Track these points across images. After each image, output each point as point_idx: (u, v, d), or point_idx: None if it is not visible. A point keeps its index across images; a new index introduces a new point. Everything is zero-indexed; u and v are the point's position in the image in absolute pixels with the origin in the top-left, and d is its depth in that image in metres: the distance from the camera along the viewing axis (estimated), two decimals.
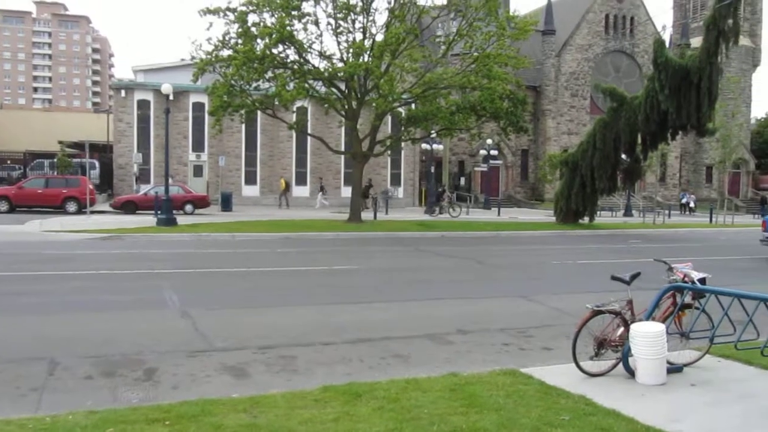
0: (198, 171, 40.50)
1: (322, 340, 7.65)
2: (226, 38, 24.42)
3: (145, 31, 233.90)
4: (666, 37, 54.89)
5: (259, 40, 23.88)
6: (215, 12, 24.10)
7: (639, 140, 28.02)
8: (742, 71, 58.31)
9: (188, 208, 30.64)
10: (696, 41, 42.62)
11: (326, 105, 27.66)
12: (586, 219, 30.47)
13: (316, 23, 25.29)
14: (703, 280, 6.42)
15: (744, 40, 54.23)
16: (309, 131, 34.96)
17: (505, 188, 53.72)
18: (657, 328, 5.93)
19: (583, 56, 54.79)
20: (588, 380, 5.98)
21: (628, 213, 41.75)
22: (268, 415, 4.86)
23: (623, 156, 28.70)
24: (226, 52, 24.60)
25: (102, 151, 46.51)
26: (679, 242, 24.28)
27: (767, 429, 4.93)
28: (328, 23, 25.60)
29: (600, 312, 6.16)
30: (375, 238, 22.45)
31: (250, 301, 10.37)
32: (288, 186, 39.72)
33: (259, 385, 5.82)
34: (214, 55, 24.54)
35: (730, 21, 25.02)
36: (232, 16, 24.08)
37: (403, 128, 29.88)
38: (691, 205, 49.19)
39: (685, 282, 6.39)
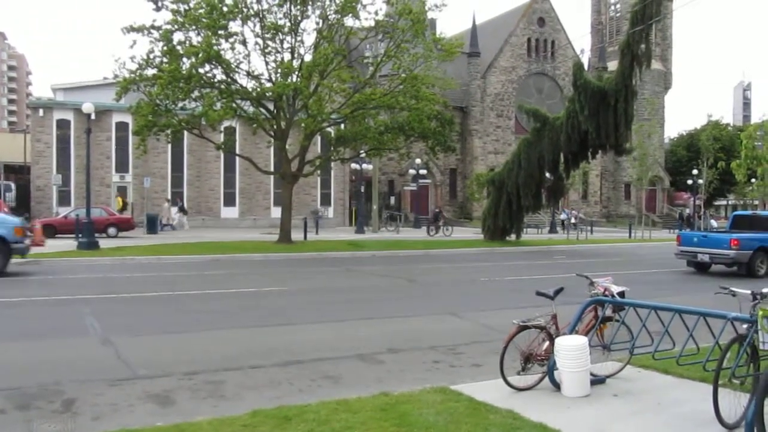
0: (123, 192, 39.29)
1: (251, 364, 7.50)
2: (151, 57, 23.90)
3: (65, 49, 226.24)
4: (585, 60, 57.24)
5: (185, 59, 23.49)
6: (139, 30, 23.58)
7: (562, 159, 28.97)
8: (655, 93, 61.40)
9: (112, 231, 29.65)
10: (612, 65, 44.51)
11: (254, 125, 27.43)
12: (513, 236, 31.18)
13: (244, 43, 25.12)
14: (622, 294, 6.66)
15: (656, 64, 57.15)
16: (237, 151, 34.53)
17: (435, 207, 54.40)
18: (580, 341, 6.10)
19: (507, 78, 56.41)
20: (516, 395, 6.09)
21: (552, 230, 43.03)
22: None
23: (547, 174, 29.61)
24: (150, 71, 24.06)
25: (19, 172, 44.53)
26: (601, 257, 25.17)
27: None
28: (256, 43, 25.49)
29: (526, 327, 6.30)
30: (305, 259, 22.29)
31: (176, 325, 10.08)
32: (125, 204, 36.74)
33: (185, 413, 5.64)
34: (138, 73, 23.96)
35: (643, 46, 26.32)
36: (156, 35, 23.62)
37: (332, 148, 29.92)
38: (573, 221, 48.61)
39: (606, 296, 6.62)
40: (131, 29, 23.57)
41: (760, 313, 4.78)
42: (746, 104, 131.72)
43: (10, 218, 17.04)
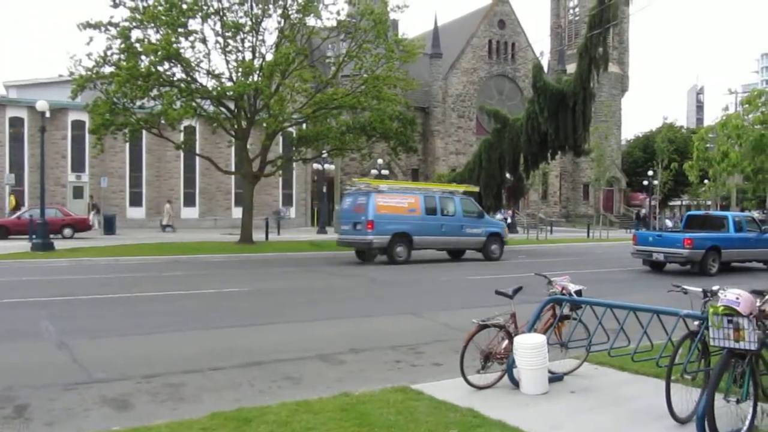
0: (78, 192, 38.45)
1: (210, 366, 7.42)
2: (108, 54, 23.44)
3: (18, 45, 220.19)
4: (544, 62, 58.00)
5: (143, 57, 23.10)
6: (96, 26, 23.10)
7: (522, 160, 29.38)
8: (612, 96, 62.65)
9: (67, 231, 29.00)
10: (571, 67, 45.28)
11: (215, 124, 27.13)
12: None
13: (204, 41, 24.83)
14: (579, 292, 6.78)
15: (613, 68, 58.24)
16: (197, 151, 34.12)
17: None
18: (538, 339, 6.20)
19: (468, 79, 56.90)
20: (476, 393, 6.15)
21: (513, 230, 43.51)
22: None
23: (508, 175, 29.98)
24: (108, 69, 23.60)
25: None
26: (560, 256, 25.57)
27: (637, 430, 5.25)
28: (217, 42, 25.22)
29: (486, 326, 6.37)
30: (267, 260, 22.14)
31: (134, 328, 9.91)
32: (18, 203, 35.32)
33: (143, 416, 5.55)
34: (94, 71, 23.48)
35: (601, 49, 26.84)
36: (114, 31, 23.17)
37: (294, 148, 29.79)
38: (509, 221, 48.20)
39: (564, 294, 6.73)
40: (87, 25, 23.07)
41: (711, 310, 4.91)
42: (699, 107, 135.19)
43: None
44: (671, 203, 77.11)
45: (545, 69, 39.52)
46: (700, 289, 5.59)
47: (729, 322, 4.80)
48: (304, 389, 6.50)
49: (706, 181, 47.09)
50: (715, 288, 5.36)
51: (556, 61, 60.43)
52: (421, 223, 21.51)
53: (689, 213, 24.00)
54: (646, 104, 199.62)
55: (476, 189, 26.09)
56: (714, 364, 5.06)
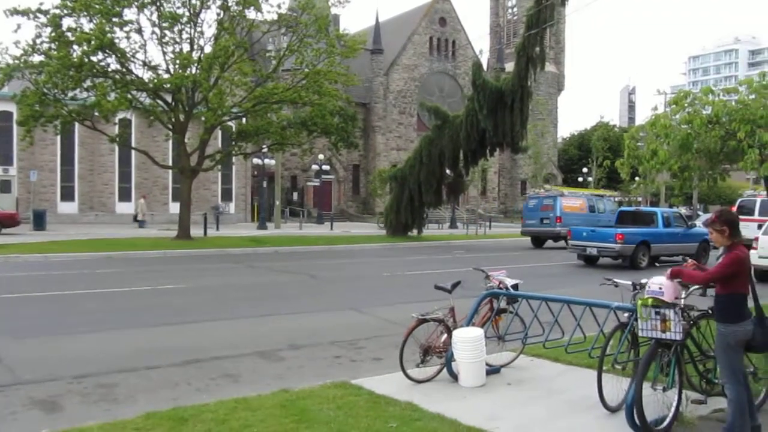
0: (5, 187, 36.85)
1: (146, 365, 7.25)
2: (38, 42, 22.57)
3: None
4: (484, 60, 58.87)
5: (75, 47, 22.34)
6: (24, 13, 22.21)
7: (461, 156, 29.71)
8: (549, 95, 64.13)
9: None
10: (510, 66, 46.09)
11: (152, 117, 26.43)
12: (415, 231, 31.70)
13: (140, 32, 24.18)
14: (516, 286, 6.93)
15: (550, 67, 59.67)
16: (133, 144, 33.21)
17: (338, 203, 54.52)
18: (476, 332, 6.30)
19: (409, 76, 57.21)
20: (415, 387, 6.21)
21: (453, 225, 44.08)
22: None
23: (448, 171, 30.29)
24: (37, 58, 22.73)
25: None
26: (499, 251, 26.04)
27: (570, 420, 5.41)
28: (153, 32, 24.59)
29: (425, 320, 6.44)
30: (205, 256, 21.75)
31: (65, 327, 9.58)
32: None
33: (74, 418, 5.38)
34: (22, 60, 22.57)
35: (538, 48, 27.38)
36: (44, 19, 22.32)
37: (233, 142, 29.35)
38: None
39: (501, 288, 6.86)
40: (15, 12, 22.18)
41: (639, 302, 5.11)
42: (631, 107, 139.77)
43: None
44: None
45: (485, 67, 40.09)
46: (630, 283, 5.80)
47: (656, 313, 4.99)
48: (242, 386, 6.43)
49: (636, 178, 48.68)
50: (643, 281, 5.56)
51: (496, 59, 61.42)
52: (586, 218, 27.29)
53: (621, 209, 24.79)
54: (581, 103, 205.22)
55: (614, 194, 31.32)
56: (642, 354, 5.26)
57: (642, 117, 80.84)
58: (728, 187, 54.30)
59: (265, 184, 37.91)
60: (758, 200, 22.84)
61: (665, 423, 5.04)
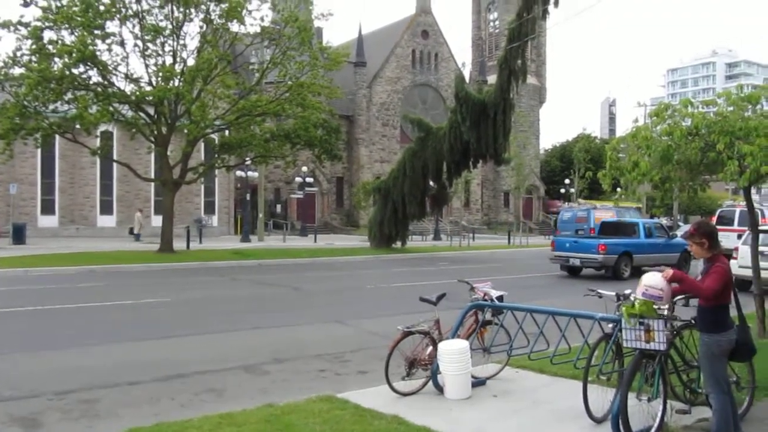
0: None
1: (128, 380, 7.17)
2: (18, 55, 22.38)
3: None
4: (466, 73, 59.31)
5: (56, 59, 22.16)
6: (4, 26, 21.99)
7: (445, 168, 29.82)
8: (531, 107, 64.61)
9: None
10: (492, 78, 46.48)
11: (134, 130, 26.24)
12: (399, 243, 31.69)
13: (122, 44, 24.05)
14: (501, 298, 6.95)
15: (532, 79, 60.07)
16: (115, 157, 32.94)
17: (321, 215, 54.39)
18: (461, 345, 6.30)
19: (392, 88, 57.42)
20: (401, 400, 6.19)
21: (437, 237, 44.14)
22: None
23: (431, 183, 30.38)
24: (18, 70, 22.53)
25: None
26: (482, 263, 26.10)
27: (556, 431, 5.42)
28: (136, 45, 24.46)
29: (410, 333, 6.43)
30: (189, 269, 21.59)
31: (46, 342, 9.45)
32: None
33: None
34: (2, 72, 22.37)
35: (520, 61, 27.63)
36: (24, 31, 22.12)
37: (216, 155, 29.22)
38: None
39: (486, 300, 6.88)
40: None
41: (624, 312, 5.13)
42: (612, 119, 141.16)
43: None
44: None
45: (467, 79, 40.46)
46: (614, 293, 5.84)
47: (640, 324, 5.03)
48: (227, 401, 6.37)
49: (618, 189, 49.17)
50: (627, 292, 5.60)
51: (478, 71, 61.82)
52: None
53: (603, 220, 24.98)
54: (562, 115, 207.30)
55: (638, 205, 32.05)
56: (627, 365, 5.28)
57: (622, 128, 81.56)
58: (708, 198, 54.98)
59: (248, 197, 37.75)
60: (737, 210, 23.10)
61: None
